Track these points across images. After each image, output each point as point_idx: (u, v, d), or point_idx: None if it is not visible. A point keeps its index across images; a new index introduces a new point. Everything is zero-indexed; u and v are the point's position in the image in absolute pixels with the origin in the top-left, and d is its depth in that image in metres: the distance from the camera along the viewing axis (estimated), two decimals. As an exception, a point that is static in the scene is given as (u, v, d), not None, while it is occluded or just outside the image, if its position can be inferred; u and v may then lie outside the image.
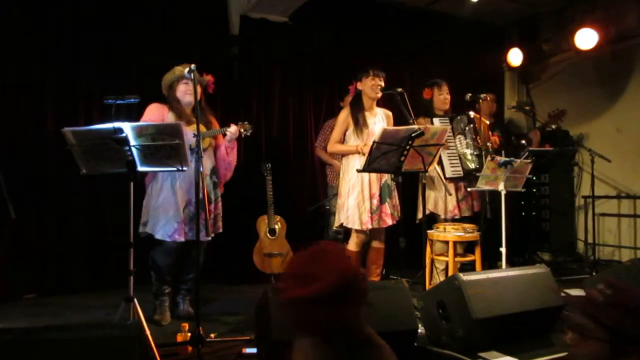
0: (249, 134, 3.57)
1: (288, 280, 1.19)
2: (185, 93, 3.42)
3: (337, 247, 1.29)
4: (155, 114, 3.36)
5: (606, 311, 1.33)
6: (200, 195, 2.86)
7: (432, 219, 4.27)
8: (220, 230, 3.57)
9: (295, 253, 1.27)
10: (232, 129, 3.46)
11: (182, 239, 3.31)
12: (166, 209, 3.29)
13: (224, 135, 3.51)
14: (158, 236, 3.29)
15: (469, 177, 4.37)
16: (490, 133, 4.69)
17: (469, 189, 4.25)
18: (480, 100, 4.33)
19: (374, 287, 2.85)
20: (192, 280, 3.51)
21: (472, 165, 4.39)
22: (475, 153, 4.44)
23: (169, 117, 3.38)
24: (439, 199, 4.36)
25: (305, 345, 1.18)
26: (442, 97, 4.51)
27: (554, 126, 5.59)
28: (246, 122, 3.56)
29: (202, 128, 3.33)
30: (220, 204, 3.56)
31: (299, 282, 1.16)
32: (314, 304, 1.13)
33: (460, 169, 4.42)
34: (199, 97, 3.44)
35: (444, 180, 4.09)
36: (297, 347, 1.20)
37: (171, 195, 3.30)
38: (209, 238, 3.36)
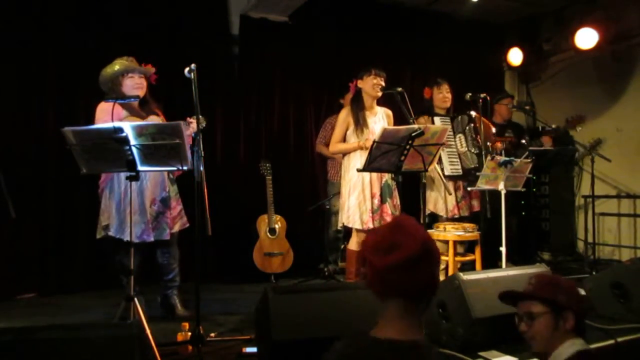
0: (202, 126, 3.22)
1: (372, 251, 1.32)
2: (133, 88, 3.28)
3: (411, 219, 1.40)
4: (110, 112, 3.02)
5: (540, 289, 1.86)
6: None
7: (432, 219, 4.28)
8: (187, 225, 3.47)
9: (372, 230, 1.35)
10: (193, 124, 3.17)
11: (152, 239, 3.27)
12: (134, 210, 3.16)
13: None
14: (128, 238, 3.09)
15: (468, 176, 4.37)
16: (494, 137, 4.69)
17: (468, 189, 4.25)
18: (498, 104, 4.34)
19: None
20: (177, 275, 3.49)
21: (471, 165, 4.40)
22: (475, 152, 4.45)
23: (124, 114, 3.26)
24: (439, 199, 4.36)
25: (392, 307, 1.32)
26: (441, 96, 4.51)
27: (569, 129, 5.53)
28: (200, 116, 3.29)
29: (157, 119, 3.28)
30: (180, 199, 3.49)
31: (383, 252, 1.29)
32: (400, 269, 1.27)
33: (459, 167, 4.43)
34: (145, 91, 3.35)
35: (444, 180, 4.09)
36: (385, 310, 1.33)
37: (136, 196, 3.20)
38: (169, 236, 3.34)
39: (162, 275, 3.51)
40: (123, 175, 3.06)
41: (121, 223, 3.24)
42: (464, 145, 4.48)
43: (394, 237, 1.31)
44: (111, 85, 3.33)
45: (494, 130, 4.71)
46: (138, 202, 3.24)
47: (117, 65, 3.31)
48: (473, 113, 4.48)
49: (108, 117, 2.86)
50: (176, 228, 3.45)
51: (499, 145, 4.75)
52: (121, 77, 3.32)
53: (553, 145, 5.30)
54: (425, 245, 1.31)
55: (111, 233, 3.27)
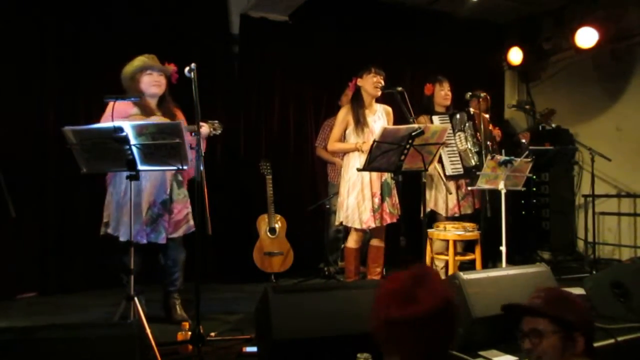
0: (218, 132, 3.37)
1: (387, 298, 1.23)
2: (150, 85, 3.27)
3: (435, 272, 1.34)
4: (119, 109, 3.06)
5: (549, 306, 1.67)
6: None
7: (431, 217, 4.27)
8: (193, 229, 3.38)
9: (393, 273, 1.28)
10: (203, 129, 3.17)
11: (144, 241, 3.22)
12: (130, 211, 3.11)
13: (192, 133, 3.14)
14: (122, 238, 3.17)
15: (470, 174, 4.37)
16: (491, 127, 4.70)
17: (469, 187, 4.25)
18: (480, 99, 4.34)
19: (375, 286, 2.85)
20: (178, 279, 3.45)
21: (472, 162, 4.40)
22: (475, 150, 4.45)
23: (134, 112, 3.23)
24: (440, 197, 4.36)
25: None
26: (442, 93, 4.51)
27: (553, 125, 5.60)
28: (216, 122, 3.36)
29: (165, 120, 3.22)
30: (189, 202, 3.42)
31: (399, 302, 1.20)
32: (415, 326, 1.18)
33: (460, 166, 4.42)
34: (164, 89, 3.32)
35: (444, 179, 4.09)
36: None
37: (135, 195, 3.11)
38: (164, 240, 3.28)
39: (163, 278, 3.49)
40: (125, 173, 3.07)
41: (118, 221, 3.23)
42: (464, 143, 4.47)
43: (414, 289, 1.22)
44: (130, 83, 3.31)
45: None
46: (136, 203, 3.19)
47: (136, 62, 3.30)
48: (472, 110, 4.48)
49: (116, 115, 2.84)
50: (180, 232, 3.37)
51: (498, 132, 4.75)
52: (139, 74, 3.29)
53: (530, 141, 5.34)
54: (447, 304, 1.23)
55: (109, 230, 3.26)
